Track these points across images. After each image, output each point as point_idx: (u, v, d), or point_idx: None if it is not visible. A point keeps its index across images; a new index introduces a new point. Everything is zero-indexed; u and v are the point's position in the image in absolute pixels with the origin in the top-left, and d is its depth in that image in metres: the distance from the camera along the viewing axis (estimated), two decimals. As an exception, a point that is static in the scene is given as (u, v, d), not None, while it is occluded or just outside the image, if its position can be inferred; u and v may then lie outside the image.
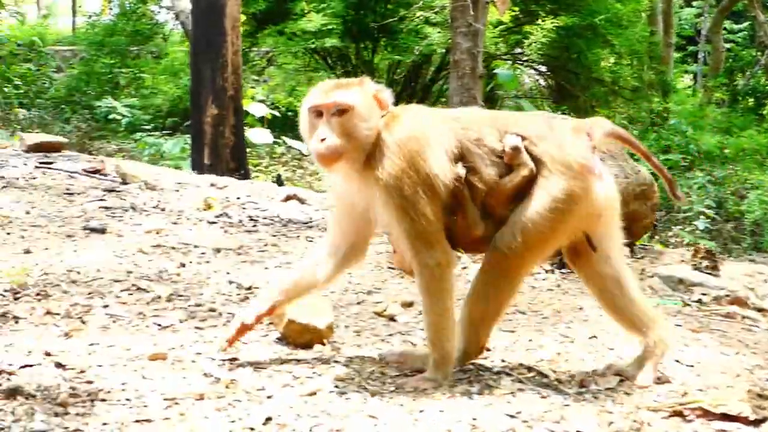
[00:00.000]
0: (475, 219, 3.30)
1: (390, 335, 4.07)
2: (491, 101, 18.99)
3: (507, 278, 3.38)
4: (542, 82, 23.01)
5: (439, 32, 17.59)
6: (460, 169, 3.27)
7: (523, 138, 3.32)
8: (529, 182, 3.29)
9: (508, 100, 20.66)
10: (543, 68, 21.40)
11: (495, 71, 15.81)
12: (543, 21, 18.52)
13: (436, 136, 3.29)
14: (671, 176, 3.58)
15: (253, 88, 17.36)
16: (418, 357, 3.57)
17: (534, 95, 22.47)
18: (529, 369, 3.64)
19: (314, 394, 3.23)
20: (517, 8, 18.19)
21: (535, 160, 3.30)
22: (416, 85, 20.33)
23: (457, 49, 10.62)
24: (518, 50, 19.96)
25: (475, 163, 3.30)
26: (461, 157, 3.29)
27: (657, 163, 3.57)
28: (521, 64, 20.81)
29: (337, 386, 3.30)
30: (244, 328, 3.63)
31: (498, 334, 3.93)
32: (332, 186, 3.53)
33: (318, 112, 3.26)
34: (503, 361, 3.74)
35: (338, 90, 3.28)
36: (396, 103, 3.46)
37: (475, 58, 10.53)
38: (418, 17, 18.02)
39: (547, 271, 5.60)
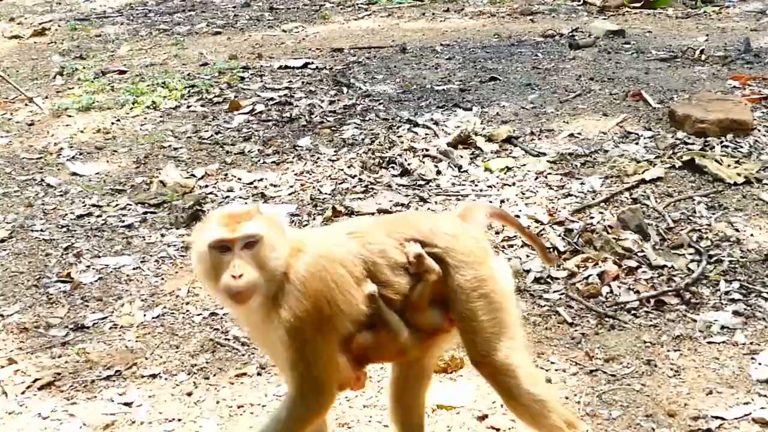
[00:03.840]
0: (398, 327, 3.26)
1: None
2: None
3: (525, 374, 3.30)
4: None
5: None
6: (371, 287, 3.21)
7: (420, 242, 3.27)
8: (440, 282, 3.26)
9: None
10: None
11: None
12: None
13: (341, 266, 3.18)
14: (542, 242, 3.95)
15: None
16: None
17: None
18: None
19: None
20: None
21: (437, 258, 3.26)
22: None
23: None
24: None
25: (386, 276, 3.24)
26: (371, 274, 3.22)
27: (530, 233, 3.82)
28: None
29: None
30: None
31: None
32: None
33: (224, 247, 3.05)
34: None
35: (243, 221, 3.08)
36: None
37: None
38: None
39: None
